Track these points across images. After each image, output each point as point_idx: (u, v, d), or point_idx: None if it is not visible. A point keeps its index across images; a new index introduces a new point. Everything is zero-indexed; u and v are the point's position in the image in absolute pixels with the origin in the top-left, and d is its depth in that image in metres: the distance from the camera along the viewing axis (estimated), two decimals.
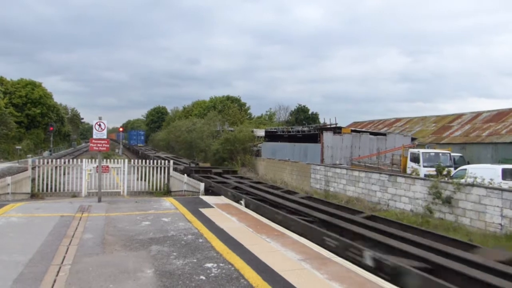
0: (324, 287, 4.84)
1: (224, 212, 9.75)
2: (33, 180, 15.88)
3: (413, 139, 32.02)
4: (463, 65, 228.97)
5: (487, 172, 15.06)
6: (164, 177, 18.07)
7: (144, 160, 18.48)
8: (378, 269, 5.65)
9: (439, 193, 14.11)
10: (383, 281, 5.11)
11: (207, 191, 13.77)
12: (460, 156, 24.92)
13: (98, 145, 11.67)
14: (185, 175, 15.93)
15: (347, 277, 5.22)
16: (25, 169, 16.73)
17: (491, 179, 13.98)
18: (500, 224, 12.18)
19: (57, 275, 5.06)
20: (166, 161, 19.31)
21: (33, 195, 15.20)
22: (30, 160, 17.09)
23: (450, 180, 14.92)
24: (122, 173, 16.92)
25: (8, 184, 13.27)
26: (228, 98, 68.45)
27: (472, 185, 13.34)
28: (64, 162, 17.05)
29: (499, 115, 33.58)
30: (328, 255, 6.18)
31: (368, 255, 5.92)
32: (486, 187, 12.98)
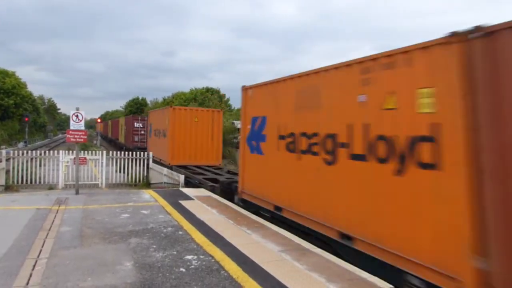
0: (304, 277, 4.90)
1: (204, 204, 9.73)
2: (7, 172, 15.43)
3: None
4: None
5: None
6: (143, 169, 17.85)
7: (123, 152, 18.19)
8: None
9: None
10: (361, 271, 5.21)
11: None
12: None
13: (76, 136, 11.50)
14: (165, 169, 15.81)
15: (327, 267, 5.30)
16: None
17: None
18: None
19: (33, 269, 4.96)
20: (145, 153, 19.03)
21: (8, 188, 14.78)
22: (4, 152, 16.54)
23: None
24: (100, 165, 16.64)
25: None
26: (208, 89, 67.91)
27: None
28: (40, 154, 16.62)
29: None
30: (308, 246, 6.26)
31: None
32: None
